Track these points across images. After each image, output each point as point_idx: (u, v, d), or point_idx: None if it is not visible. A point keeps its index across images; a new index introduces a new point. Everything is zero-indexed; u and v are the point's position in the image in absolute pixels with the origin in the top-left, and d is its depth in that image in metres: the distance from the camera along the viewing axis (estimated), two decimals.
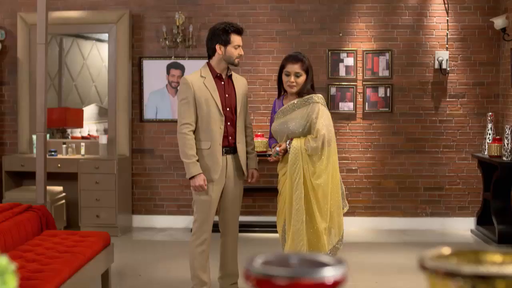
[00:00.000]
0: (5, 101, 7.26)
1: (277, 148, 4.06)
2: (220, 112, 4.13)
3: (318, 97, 4.12)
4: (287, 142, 4.05)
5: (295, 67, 4.10)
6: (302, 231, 3.95)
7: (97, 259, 4.15)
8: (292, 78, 4.09)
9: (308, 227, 3.98)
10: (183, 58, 7.02)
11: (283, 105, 4.18)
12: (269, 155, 4.21)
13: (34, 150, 6.75)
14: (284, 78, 4.14)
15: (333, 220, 4.06)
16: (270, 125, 4.28)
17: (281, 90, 4.24)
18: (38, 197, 4.70)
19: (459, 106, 6.97)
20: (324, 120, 4.03)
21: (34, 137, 6.79)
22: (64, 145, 7.01)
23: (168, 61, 7.04)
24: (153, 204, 7.14)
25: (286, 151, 4.07)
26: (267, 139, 6.88)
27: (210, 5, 7.01)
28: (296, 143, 4.02)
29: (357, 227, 6.96)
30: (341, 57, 6.97)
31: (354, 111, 6.96)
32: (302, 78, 4.10)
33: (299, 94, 4.12)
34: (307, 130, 4.05)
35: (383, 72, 6.96)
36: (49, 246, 4.01)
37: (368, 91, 6.96)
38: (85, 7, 7.07)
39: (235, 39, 4.15)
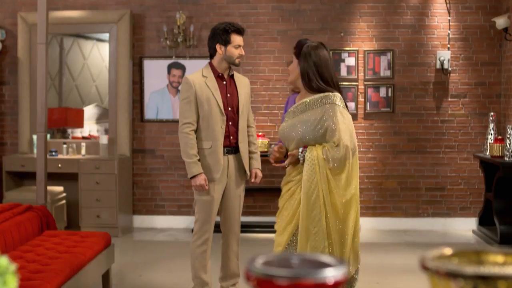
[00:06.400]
0: (5, 101, 7.25)
1: (273, 147, 3.41)
2: (222, 111, 4.12)
3: (336, 96, 3.38)
4: (300, 150, 3.34)
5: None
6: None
7: (97, 260, 4.15)
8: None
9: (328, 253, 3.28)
10: (184, 58, 7.01)
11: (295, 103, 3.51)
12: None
13: (35, 150, 6.75)
14: None
15: (354, 245, 3.40)
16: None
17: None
18: (39, 197, 4.69)
19: (460, 106, 6.95)
20: (345, 125, 3.35)
21: (34, 137, 6.78)
22: (65, 145, 7.01)
23: (168, 61, 7.04)
24: (153, 204, 7.13)
25: (298, 160, 3.38)
26: (268, 140, 6.90)
27: (211, 4, 7.00)
28: (312, 152, 3.30)
29: None
30: (343, 57, 6.97)
31: (355, 111, 6.95)
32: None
33: (312, 90, 3.44)
34: (320, 137, 3.35)
35: (384, 72, 6.95)
36: (49, 247, 4.01)
37: (370, 91, 6.95)
38: (86, 6, 7.07)
39: (236, 39, 4.14)
